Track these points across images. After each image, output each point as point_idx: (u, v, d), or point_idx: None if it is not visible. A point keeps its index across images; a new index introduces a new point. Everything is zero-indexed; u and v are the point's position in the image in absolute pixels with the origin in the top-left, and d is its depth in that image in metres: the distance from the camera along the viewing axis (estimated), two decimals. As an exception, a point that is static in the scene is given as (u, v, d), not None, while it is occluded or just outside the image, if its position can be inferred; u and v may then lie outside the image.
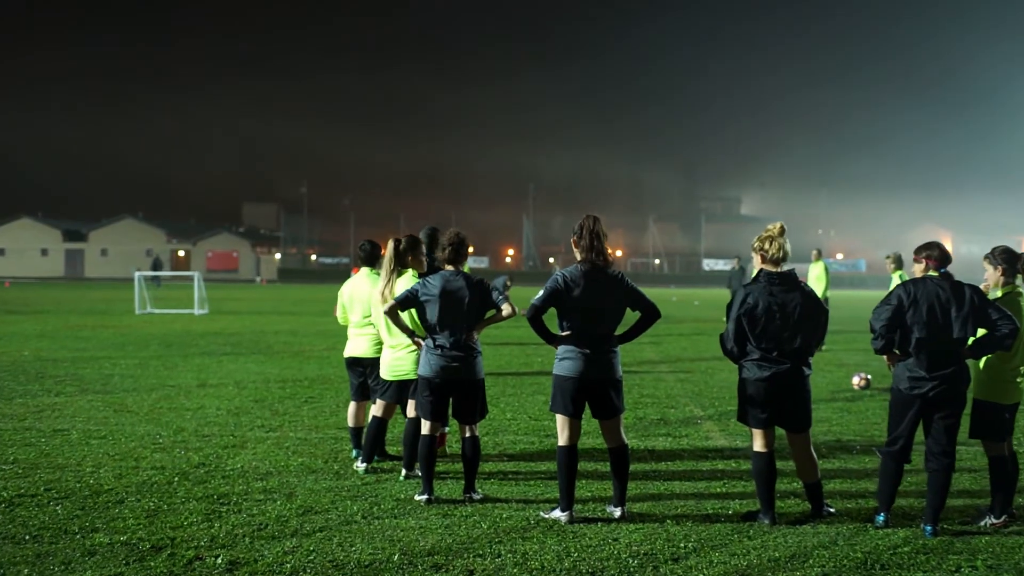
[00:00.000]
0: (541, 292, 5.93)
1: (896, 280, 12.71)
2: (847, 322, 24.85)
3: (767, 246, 5.96)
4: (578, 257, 5.99)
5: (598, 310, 5.86)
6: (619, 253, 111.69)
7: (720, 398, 11.22)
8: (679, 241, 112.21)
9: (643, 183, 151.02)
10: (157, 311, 27.75)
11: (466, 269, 25.95)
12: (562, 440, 5.98)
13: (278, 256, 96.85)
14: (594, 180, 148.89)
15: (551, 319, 6.01)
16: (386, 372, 6.97)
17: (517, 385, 12.26)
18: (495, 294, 6.35)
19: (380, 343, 7.11)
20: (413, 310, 6.50)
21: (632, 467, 7.30)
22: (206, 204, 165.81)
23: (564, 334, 5.93)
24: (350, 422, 7.57)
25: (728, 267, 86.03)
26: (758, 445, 5.92)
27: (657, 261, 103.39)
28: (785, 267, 5.95)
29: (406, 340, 6.67)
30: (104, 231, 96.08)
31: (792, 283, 5.85)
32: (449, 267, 6.37)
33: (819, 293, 17.60)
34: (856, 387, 12.06)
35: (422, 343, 6.37)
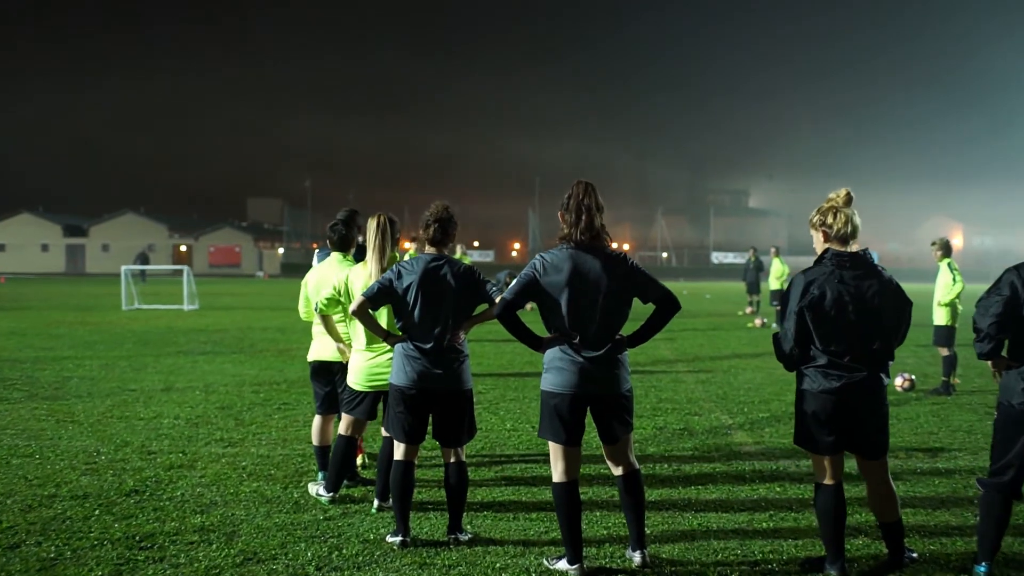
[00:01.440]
0: (515, 281, 4.60)
1: (945, 270, 11.38)
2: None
3: (830, 219, 4.62)
4: (562, 235, 4.66)
5: (592, 303, 4.51)
6: (627, 246, 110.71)
7: (748, 402, 9.92)
8: (687, 234, 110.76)
9: (650, 176, 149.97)
10: (145, 307, 26.49)
11: (464, 258, 24.67)
12: (557, 475, 4.62)
13: (281, 251, 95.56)
14: (601, 173, 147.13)
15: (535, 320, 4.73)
16: (358, 381, 5.62)
17: (520, 388, 10.92)
18: (488, 286, 5.05)
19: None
20: (388, 307, 5.24)
21: (657, 492, 6.04)
22: (211, 199, 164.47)
23: (551, 336, 4.61)
24: (315, 440, 6.25)
25: (741, 260, 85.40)
26: (824, 476, 4.58)
27: (665, 254, 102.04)
28: (855, 246, 4.63)
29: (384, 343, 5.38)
30: (105, 226, 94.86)
31: (867, 267, 4.50)
32: (431, 249, 5.08)
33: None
34: (899, 389, 10.76)
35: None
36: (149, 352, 14.66)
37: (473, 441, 7.58)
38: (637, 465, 4.75)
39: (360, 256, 5.84)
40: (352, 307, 5.01)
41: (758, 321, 21.52)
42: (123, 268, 28.22)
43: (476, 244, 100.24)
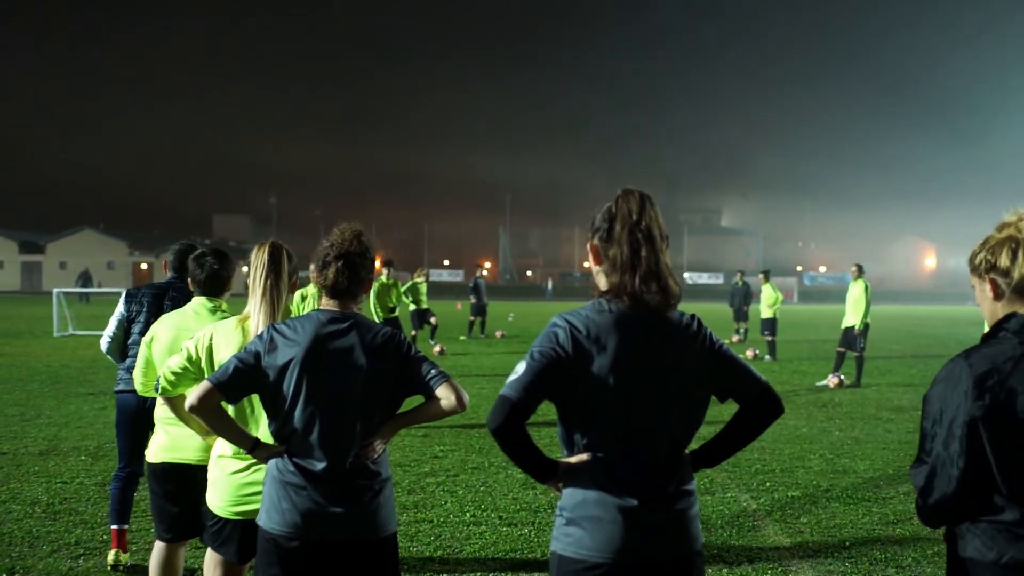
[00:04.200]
0: (521, 364, 2.56)
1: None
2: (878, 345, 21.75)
3: (1005, 260, 2.70)
4: (602, 284, 2.66)
5: (654, 403, 2.54)
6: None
7: (767, 472, 8.01)
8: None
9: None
10: (80, 332, 24.23)
11: (421, 285, 22.06)
12: None
13: (245, 268, 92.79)
14: (572, 191, 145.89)
15: (546, 428, 2.70)
16: (222, 503, 3.57)
17: (489, 449, 8.89)
18: (426, 366, 3.08)
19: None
20: (253, 398, 3.30)
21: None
22: (177, 216, 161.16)
23: (578, 460, 2.58)
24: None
25: (715, 280, 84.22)
26: None
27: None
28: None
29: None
30: (62, 243, 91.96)
31: None
32: (330, 303, 3.13)
33: (858, 320, 14.52)
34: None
35: (274, 455, 3.11)
36: (55, 393, 12.51)
37: (415, 544, 5.62)
38: None
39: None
40: (190, 399, 2.99)
41: (749, 352, 19.72)
42: (55, 291, 25.93)
43: (446, 263, 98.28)
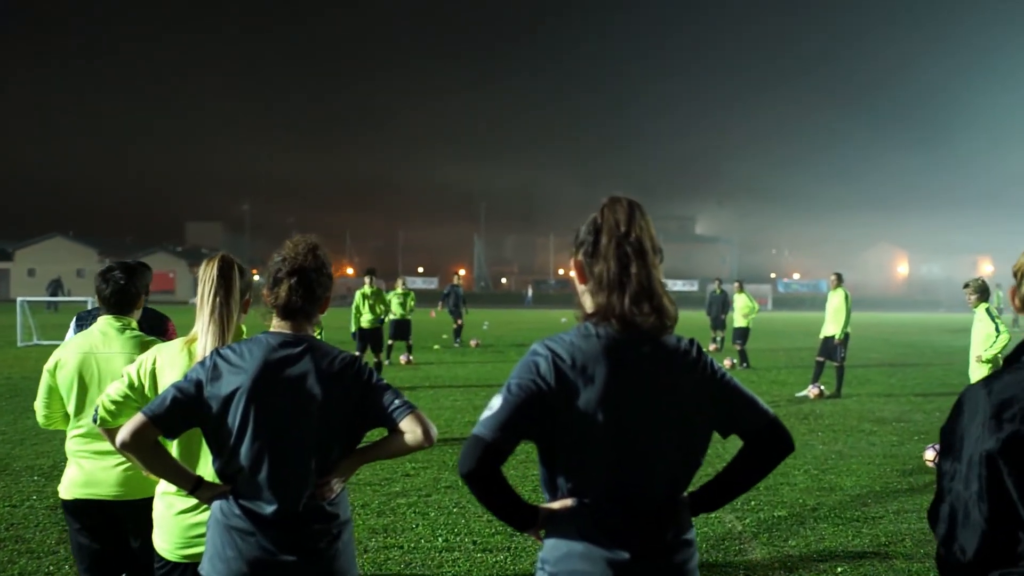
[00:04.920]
0: (497, 399, 2.23)
1: (984, 318, 9.37)
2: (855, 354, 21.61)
3: None
4: (587, 306, 2.33)
5: (647, 442, 2.24)
6: (572, 274, 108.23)
7: (751, 490, 7.74)
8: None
9: (596, 202, 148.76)
10: (45, 342, 23.62)
11: (409, 299, 21.63)
12: None
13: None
14: (547, 199, 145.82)
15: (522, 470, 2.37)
16: (170, 544, 3.17)
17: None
18: (389, 395, 2.73)
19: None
20: (194, 433, 2.92)
21: None
22: (149, 223, 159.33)
23: (561, 506, 2.26)
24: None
25: (689, 288, 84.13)
26: None
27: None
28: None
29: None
30: (31, 250, 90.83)
31: None
32: (281, 325, 2.79)
33: (838, 330, 14.31)
34: (931, 463, 8.69)
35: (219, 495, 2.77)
36: (12, 407, 12.06)
37: (384, 572, 5.29)
38: None
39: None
40: (121, 434, 2.62)
41: (727, 362, 19.49)
42: (19, 299, 25.29)
43: (420, 271, 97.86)
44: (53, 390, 3.82)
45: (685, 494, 2.37)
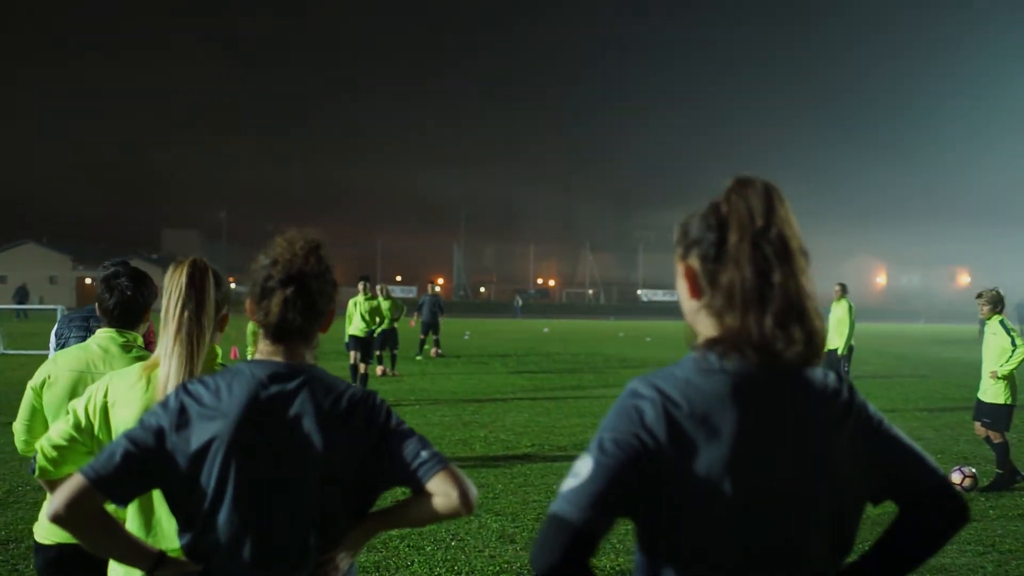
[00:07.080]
0: (585, 462, 1.55)
1: (998, 330, 8.84)
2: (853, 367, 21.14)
3: None
4: (707, 328, 1.68)
5: (790, 519, 1.59)
6: (552, 283, 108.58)
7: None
8: (614, 270, 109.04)
9: (576, 210, 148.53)
10: (11, 352, 22.76)
11: (386, 309, 20.46)
12: None
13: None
14: (526, 208, 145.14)
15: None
16: None
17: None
18: (413, 444, 2.08)
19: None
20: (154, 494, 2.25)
21: None
22: (124, 230, 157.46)
23: None
24: None
25: (671, 298, 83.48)
26: None
27: (591, 291, 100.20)
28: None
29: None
30: (2, 257, 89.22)
31: None
32: (270, 350, 2.14)
33: (842, 343, 13.83)
34: (958, 487, 8.13)
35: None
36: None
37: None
38: None
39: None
40: (54, 505, 1.93)
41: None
42: (-14, 308, 24.43)
43: (399, 279, 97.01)
44: (37, 411, 3.15)
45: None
